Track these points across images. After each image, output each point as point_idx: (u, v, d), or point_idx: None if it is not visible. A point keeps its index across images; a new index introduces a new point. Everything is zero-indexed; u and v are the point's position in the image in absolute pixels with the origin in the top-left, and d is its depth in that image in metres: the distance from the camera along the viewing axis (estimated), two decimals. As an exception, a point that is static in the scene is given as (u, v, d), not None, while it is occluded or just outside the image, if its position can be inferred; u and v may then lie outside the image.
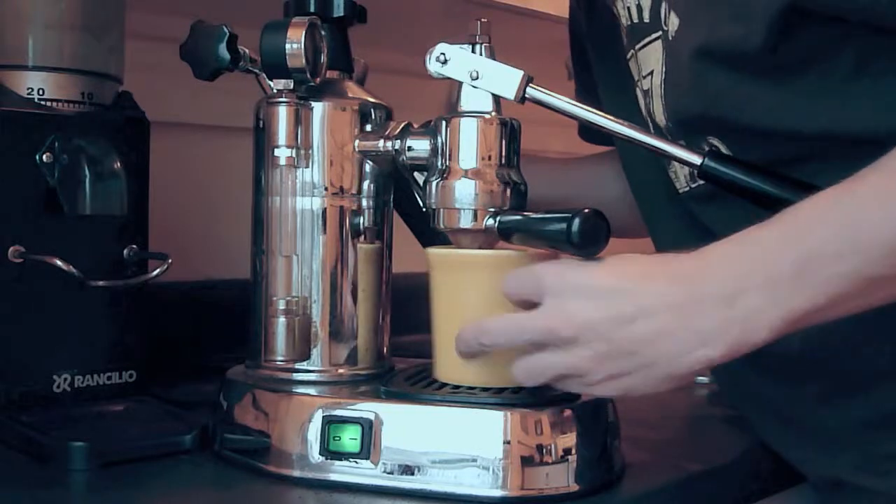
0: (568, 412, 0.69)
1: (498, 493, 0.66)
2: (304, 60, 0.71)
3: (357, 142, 0.76)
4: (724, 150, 0.72)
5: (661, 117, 0.77)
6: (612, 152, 0.97)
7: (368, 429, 0.68)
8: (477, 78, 0.69)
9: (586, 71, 0.96)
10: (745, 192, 0.67)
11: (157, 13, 1.04)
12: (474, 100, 0.70)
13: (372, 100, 0.77)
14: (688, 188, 0.79)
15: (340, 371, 0.76)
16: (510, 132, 0.70)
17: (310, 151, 0.75)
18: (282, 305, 0.74)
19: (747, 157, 0.70)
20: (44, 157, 0.81)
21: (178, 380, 0.94)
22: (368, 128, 0.76)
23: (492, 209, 0.69)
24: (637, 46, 0.80)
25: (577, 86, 1.02)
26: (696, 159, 0.67)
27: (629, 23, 0.80)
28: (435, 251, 0.73)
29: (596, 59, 0.92)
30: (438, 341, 0.73)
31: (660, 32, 0.75)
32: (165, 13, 1.01)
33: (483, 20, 0.70)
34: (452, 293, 0.72)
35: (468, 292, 0.71)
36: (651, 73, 0.78)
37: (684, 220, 0.82)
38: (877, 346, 0.72)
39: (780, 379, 0.79)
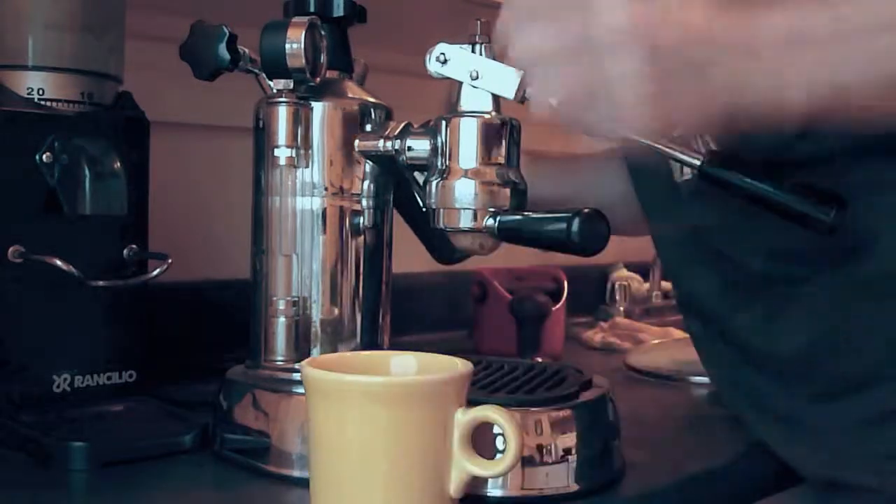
0: (568, 412, 0.69)
1: (498, 492, 0.66)
2: (304, 60, 0.71)
3: (357, 142, 0.76)
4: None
5: None
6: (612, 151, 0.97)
7: (368, 429, 0.68)
8: (477, 78, 0.69)
9: None
10: (744, 194, 0.67)
11: (157, 13, 1.04)
12: (474, 100, 0.70)
13: (372, 100, 0.77)
14: (681, 179, 0.79)
15: (340, 371, 0.76)
16: (510, 132, 0.70)
17: (310, 151, 0.75)
18: (282, 305, 0.74)
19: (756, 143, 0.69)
20: (44, 157, 0.81)
21: (178, 380, 0.94)
22: (368, 128, 0.76)
23: (492, 209, 0.69)
24: None
25: None
26: (696, 160, 0.67)
27: None
28: (318, 374, 0.59)
29: None
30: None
31: None
32: (165, 13, 1.01)
33: (483, 20, 0.70)
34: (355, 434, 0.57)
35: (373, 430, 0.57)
36: None
37: (681, 210, 0.82)
38: (873, 346, 0.73)
39: (776, 377, 0.79)
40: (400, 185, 0.79)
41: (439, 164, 0.70)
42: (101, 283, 0.83)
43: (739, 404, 0.85)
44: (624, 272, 1.71)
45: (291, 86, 0.73)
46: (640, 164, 0.88)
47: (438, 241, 0.80)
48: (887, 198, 0.71)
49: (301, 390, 0.62)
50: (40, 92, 0.83)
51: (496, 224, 0.68)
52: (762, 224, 0.75)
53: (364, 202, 0.77)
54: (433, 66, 0.69)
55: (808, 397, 0.77)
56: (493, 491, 0.66)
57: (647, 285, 1.73)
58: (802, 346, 0.76)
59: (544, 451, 0.67)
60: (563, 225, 0.64)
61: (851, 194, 0.65)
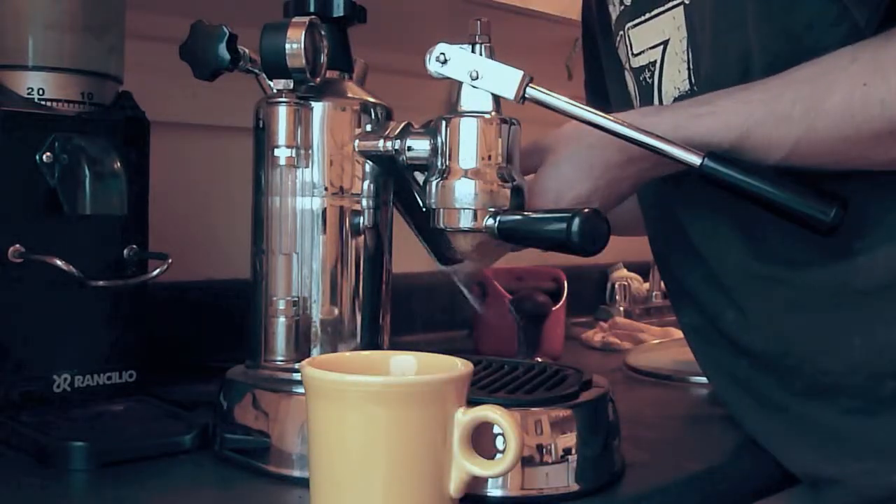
0: (568, 412, 0.69)
1: (498, 492, 0.66)
2: (304, 60, 0.71)
3: (357, 142, 0.76)
4: None
5: (678, 86, 0.78)
6: None
7: (368, 429, 0.67)
8: (477, 78, 0.69)
9: (596, 61, 0.96)
10: (744, 194, 0.67)
11: (157, 13, 1.04)
12: (474, 100, 0.70)
13: (372, 100, 0.77)
14: None
15: (340, 371, 0.76)
16: (510, 132, 0.70)
17: (310, 151, 0.75)
18: (282, 305, 0.74)
19: None
20: (44, 157, 0.81)
21: (178, 380, 0.94)
22: (368, 128, 0.76)
23: (492, 209, 0.69)
24: (629, 25, 0.81)
25: (586, 76, 1.02)
26: (696, 160, 0.67)
27: (623, 6, 0.82)
28: (318, 374, 0.59)
29: (604, 46, 0.93)
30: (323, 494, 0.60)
31: (672, 3, 0.77)
32: (165, 13, 1.01)
33: (483, 20, 0.70)
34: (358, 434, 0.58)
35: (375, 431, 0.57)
36: (664, 42, 0.78)
37: (669, 204, 0.83)
38: (852, 345, 0.73)
39: (766, 370, 0.79)
40: (400, 185, 0.79)
41: (439, 163, 0.70)
42: (101, 283, 0.83)
43: (733, 397, 0.85)
44: (624, 272, 1.71)
45: (291, 86, 0.73)
46: None
47: (440, 242, 0.80)
48: (874, 203, 0.71)
49: (301, 390, 0.62)
50: (40, 92, 0.83)
51: (496, 224, 0.68)
52: (740, 224, 0.76)
53: (364, 202, 0.77)
54: (433, 66, 0.69)
55: (800, 390, 0.77)
56: (493, 491, 0.66)
57: (647, 285, 1.73)
58: (785, 342, 0.77)
59: (544, 451, 0.67)
60: (563, 225, 0.64)
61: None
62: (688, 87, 0.78)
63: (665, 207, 0.85)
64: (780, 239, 0.74)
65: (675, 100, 0.79)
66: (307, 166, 0.75)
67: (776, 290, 0.77)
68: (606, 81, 0.93)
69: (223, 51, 0.72)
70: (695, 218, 0.81)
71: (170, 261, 0.85)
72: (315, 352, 0.75)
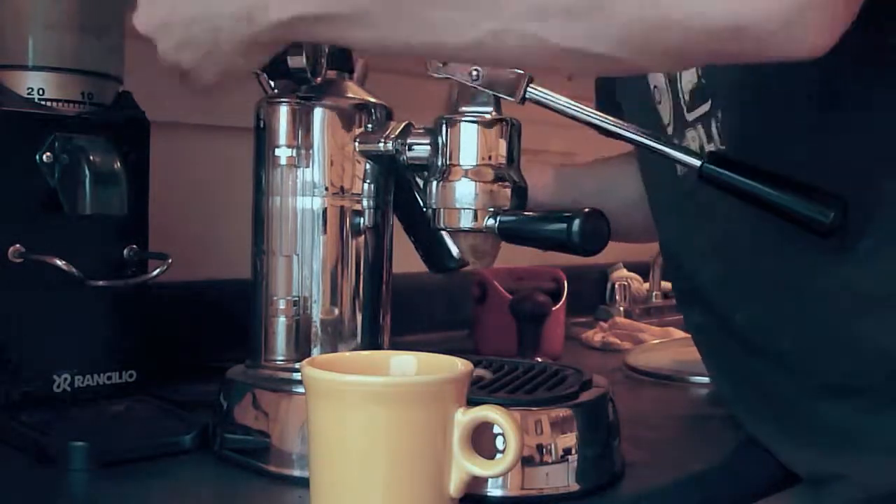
0: (568, 412, 0.69)
1: (498, 492, 0.66)
2: (304, 60, 0.71)
3: (357, 142, 0.76)
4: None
5: (688, 79, 0.77)
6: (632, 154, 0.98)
7: (368, 429, 0.67)
8: (477, 78, 0.69)
9: None
10: (744, 196, 0.67)
11: (158, 13, 1.03)
12: (474, 100, 0.70)
13: (372, 100, 0.77)
14: (682, 173, 0.80)
15: (340, 371, 0.76)
16: (510, 132, 0.70)
17: (310, 151, 0.75)
18: (282, 305, 0.74)
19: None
20: (44, 157, 0.81)
21: (178, 380, 0.94)
22: (368, 128, 0.76)
23: (492, 209, 0.69)
24: None
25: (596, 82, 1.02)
26: (696, 162, 0.67)
27: None
28: (318, 374, 0.59)
29: None
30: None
31: None
32: (165, 13, 1.00)
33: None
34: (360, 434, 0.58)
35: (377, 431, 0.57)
36: None
37: (685, 200, 0.83)
38: (864, 349, 0.73)
39: (776, 370, 0.79)
40: (399, 188, 0.79)
41: (440, 164, 0.70)
42: (101, 283, 0.83)
43: (737, 396, 0.85)
44: (624, 272, 1.71)
45: (292, 86, 0.73)
46: (648, 156, 0.88)
47: (434, 249, 0.80)
48: (887, 204, 0.71)
49: (301, 390, 0.62)
50: (40, 92, 0.83)
51: (496, 224, 0.68)
52: (755, 225, 0.76)
53: (364, 202, 0.77)
54: (433, 67, 0.69)
55: (810, 389, 0.77)
56: (493, 491, 0.66)
57: (647, 285, 1.73)
58: (798, 342, 0.77)
59: (544, 451, 0.67)
60: (563, 225, 0.64)
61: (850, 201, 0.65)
62: (695, 80, 0.77)
63: (680, 210, 0.85)
64: (794, 240, 0.74)
65: (694, 91, 0.78)
66: (308, 166, 0.75)
67: (791, 290, 0.77)
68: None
69: (223, 51, 0.72)
70: (709, 219, 0.81)
71: (170, 261, 0.85)
72: (315, 352, 0.75)
